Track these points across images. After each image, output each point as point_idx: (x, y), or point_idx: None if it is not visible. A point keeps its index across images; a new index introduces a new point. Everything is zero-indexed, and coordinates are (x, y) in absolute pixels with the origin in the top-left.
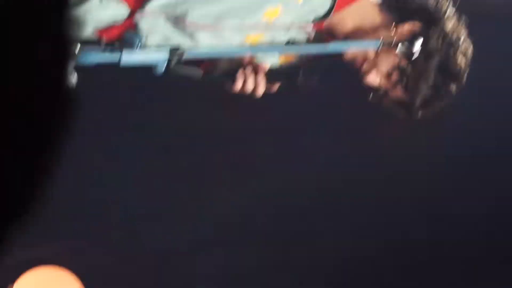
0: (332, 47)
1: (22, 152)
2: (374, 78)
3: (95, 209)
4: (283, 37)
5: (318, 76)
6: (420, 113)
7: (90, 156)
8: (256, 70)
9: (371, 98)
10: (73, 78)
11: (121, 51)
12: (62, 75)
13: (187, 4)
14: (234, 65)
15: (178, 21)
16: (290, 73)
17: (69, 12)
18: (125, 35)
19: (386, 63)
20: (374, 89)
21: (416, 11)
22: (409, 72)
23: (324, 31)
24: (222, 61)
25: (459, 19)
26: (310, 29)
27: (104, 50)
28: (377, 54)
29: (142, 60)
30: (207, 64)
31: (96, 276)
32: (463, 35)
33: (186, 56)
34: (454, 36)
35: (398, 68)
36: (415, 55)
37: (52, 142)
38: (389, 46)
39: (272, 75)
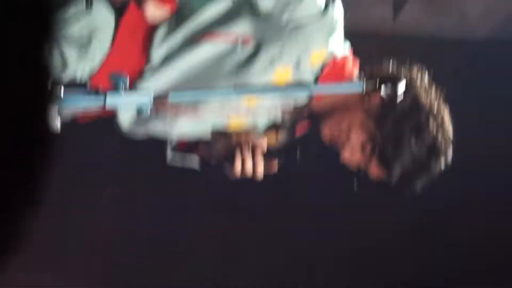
0: (316, 89)
1: (2, 194)
2: (349, 154)
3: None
4: (266, 118)
5: (315, 151)
6: (403, 190)
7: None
8: (253, 150)
9: (356, 187)
10: (57, 122)
11: (105, 94)
12: (43, 119)
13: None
14: (231, 147)
15: (158, 105)
16: (287, 150)
17: (50, 55)
18: (109, 77)
19: (357, 136)
20: (354, 171)
21: (387, 78)
22: (380, 141)
23: (307, 114)
24: (218, 145)
25: (431, 88)
26: (292, 110)
27: (88, 93)
28: (349, 129)
29: (127, 103)
30: (203, 149)
31: None
32: (435, 102)
33: (170, 99)
34: (426, 104)
35: (370, 138)
36: (400, 98)
37: (33, 185)
38: (373, 88)
39: (270, 154)
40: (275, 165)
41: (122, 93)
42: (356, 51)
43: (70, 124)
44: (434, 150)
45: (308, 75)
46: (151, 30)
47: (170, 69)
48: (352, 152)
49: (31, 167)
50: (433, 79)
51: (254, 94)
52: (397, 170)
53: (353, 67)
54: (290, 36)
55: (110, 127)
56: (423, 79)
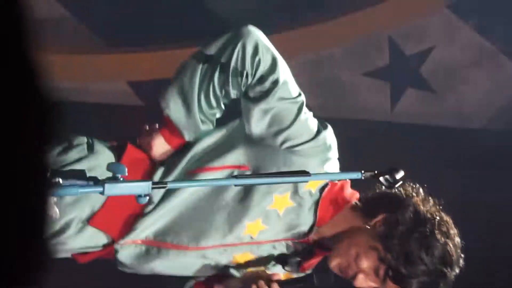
0: (316, 176)
1: None
2: (363, 282)
3: None
4: (271, 252)
5: (333, 275)
6: None
7: None
8: (269, 283)
9: None
10: (55, 211)
11: (104, 183)
12: (41, 208)
13: (172, 231)
14: (246, 284)
15: (161, 249)
16: (304, 279)
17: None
18: (108, 166)
19: (367, 263)
20: None
21: (385, 202)
22: (391, 262)
23: (311, 244)
24: (233, 284)
25: (428, 198)
26: (296, 242)
27: (87, 182)
28: (357, 256)
29: (125, 191)
30: None
31: None
32: (436, 212)
33: (168, 186)
34: (427, 215)
35: (381, 261)
36: (399, 183)
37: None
38: (372, 178)
39: (286, 284)
40: None
41: (121, 181)
42: (353, 141)
43: (70, 263)
44: (446, 258)
45: (307, 199)
46: (150, 168)
47: (169, 206)
48: (366, 278)
49: (27, 252)
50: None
51: (254, 183)
52: (414, 286)
53: (352, 192)
54: (285, 162)
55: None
56: (418, 192)
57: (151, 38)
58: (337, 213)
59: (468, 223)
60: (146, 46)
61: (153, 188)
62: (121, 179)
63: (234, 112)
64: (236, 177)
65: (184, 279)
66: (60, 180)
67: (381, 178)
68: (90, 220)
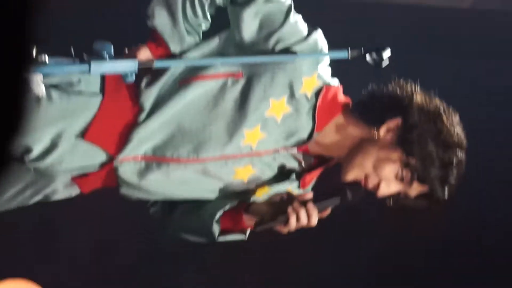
0: (300, 56)
1: None
2: (386, 189)
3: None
4: (272, 165)
5: (363, 189)
6: (446, 193)
7: None
8: (303, 201)
9: (392, 203)
10: (42, 88)
11: (89, 62)
12: (26, 84)
13: (170, 145)
14: (279, 207)
15: (161, 164)
16: (335, 194)
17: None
18: (94, 45)
19: (389, 170)
20: (393, 196)
21: (386, 106)
22: (416, 165)
23: (310, 153)
24: (260, 208)
25: (428, 94)
26: (296, 152)
27: (73, 61)
28: (376, 166)
29: (111, 70)
30: (250, 221)
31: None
32: (440, 104)
33: (155, 66)
34: (432, 108)
35: (405, 166)
36: (385, 63)
37: (8, 146)
38: (358, 56)
39: (319, 202)
40: (327, 211)
41: (107, 60)
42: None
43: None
44: (461, 145)
45: (304, 103)
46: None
47: (162, 113)
48: (388, 186)
49: (10, 129)
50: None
51: (241, 61)
52: (437, 179)
53: (346, 98)
54: (278, 65)
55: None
56: (416, 89)
57: None
58: (334, 116)
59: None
60: None
61: (139, 67)
62: (107, 58)
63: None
64: (222, 58)
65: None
66: (46, 58)
67: (367, 57)
68: (85, 135)
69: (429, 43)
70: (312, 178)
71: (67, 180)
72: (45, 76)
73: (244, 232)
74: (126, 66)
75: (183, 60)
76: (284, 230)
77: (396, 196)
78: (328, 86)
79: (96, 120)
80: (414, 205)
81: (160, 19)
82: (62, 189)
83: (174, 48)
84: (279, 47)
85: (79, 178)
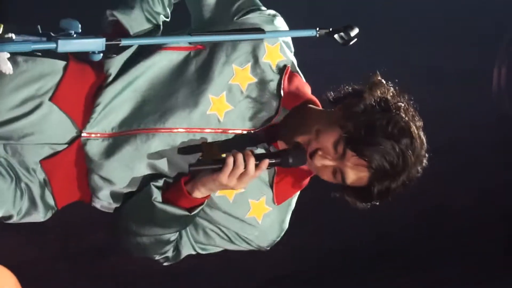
0: (268, 34)
1: None
2: (319, 159)
3: None
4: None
5: (306, 154)
6: (383, 164)
7: None
8: (243, 152)
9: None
10: (8, 67)
11: (57, 39)
12: None
13: (137, 117)
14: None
15: (129, 137)
16: (278, 154)
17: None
18: (61, 23)
19: (327, 135)
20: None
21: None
22: (352, 129)
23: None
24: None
25: (399, 94)
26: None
27: (40, 38)
28: (318, 132)
29: (79, 48)
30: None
31: (31, 271)
32: (405, 104)
33: (122, 43)
34: (393, 101)
35: (341, 129)
36: (353, 41)
37: None
38: (326, 35)
39: (261, 156)
40: (266, 162)
41: (74, 38)
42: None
43: None
44: (406, 133)
45: (269, 73)
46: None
47: (125, 79)
48: (323, 156)
49: None
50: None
51: (211, 40)
52: (377, 156)
53: (308, 87)
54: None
55: None
56: (388, 85)
57: None
58: (300, 101)
59: None
60: None
61: (106, 44)
62: (75, 35)
63: None
64: (191, 34)
65: None
66: (13, 36)
67: (335, 36)
68: (52, 97)
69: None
70: (287, 197)
71: (38, 156)
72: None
73: (189, 208)
74: (94, 44)
75: (151, 38)
76: (221, 176)
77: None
78: (292, 72)
79: (63, 83)
80: (349, 197)
81: (121, 8)
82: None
83: (133, 32)
84: (239, 15)
85: (48, 160)
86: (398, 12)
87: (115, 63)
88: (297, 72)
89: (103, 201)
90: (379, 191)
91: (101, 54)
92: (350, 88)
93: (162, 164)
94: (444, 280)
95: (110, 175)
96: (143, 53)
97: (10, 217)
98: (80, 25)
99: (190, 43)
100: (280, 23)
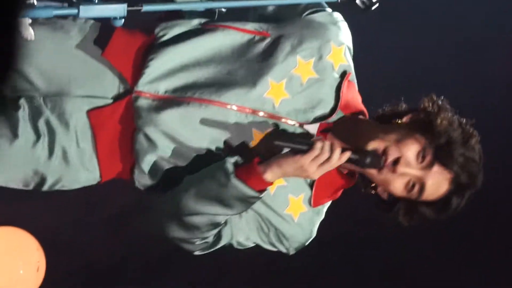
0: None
1: None
2: (404, 167)
3: None
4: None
5: (381, 161)
6: (474, 181)
7: None
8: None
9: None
10: (30, 31)
11: (78, 5)
12: (11, 26)
13: (193, 87)
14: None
15: (181, 102)
16: (356, 151)
17: None
18: None
19: (412, 146)
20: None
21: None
22: (438, 142)
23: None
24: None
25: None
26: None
27: (62, 4)
28: (399, 141)
29: (100, 14)
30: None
31: (53, 237)
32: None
33: (144, 9)
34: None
35: (428, 146)
36: (376, 5)
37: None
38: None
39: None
40: (347, 154)
41: (96, 3)
42: None
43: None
44: (480, 151)
45: (330, 72)
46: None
47: (182, 46)
48: (408, 164)
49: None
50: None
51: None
52: (464, 170)
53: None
54: (308, 27)
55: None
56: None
57: None
58: (357, 108)
59: None
60: None
61: (128, 10)
62: (96, 0)
63: None
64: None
65: None
66: (35, 1)
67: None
68: (102, 52)
69: None
70: (323, 201)
71: (82, 117)
72: (34, 19)
73: (260, 189)
74: (115, 10)
75: (174, 3)
76: (304, 158)
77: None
78: (352, 77)
79: (114, 39)
80: (424, 213)
81: None
82: (78, 131)
83: None
84: (307, 14)
85: (96, 111)
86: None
87: (171, 29)
88: (355, 81)
89: (144, 173)
90: (457, 204)
91: (123, 20)
92: (405, 106)
93: (205, 137)
94: None
95: (156, 135)
96: (204, 24)
97: (42, 180)
98: None
99: (256, 29)
100: (344, 27)
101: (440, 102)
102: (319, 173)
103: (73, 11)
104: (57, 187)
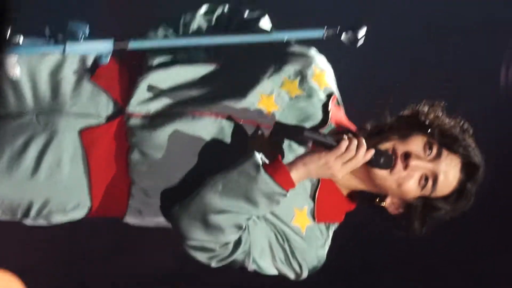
0: (275, 36)
1: None
2: (416, 160)
3: None
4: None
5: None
6: (479, 158)
7: None
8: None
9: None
10: (15, 71)
11: (65, 42)
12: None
13: (182, 104)
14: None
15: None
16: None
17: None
18: (68, 25)
19: (417, 140)
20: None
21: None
22: (442, 135)
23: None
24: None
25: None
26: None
27: (48, 41)
28: (404, 138)
29: (86, 51)
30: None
31: (37, 275)
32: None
33: (130, 46)
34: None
35: (431, 138)
36: (360, 42)
37: None
38: (334, 35)
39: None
40: (372, 152)
41: (82, 41)
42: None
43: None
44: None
45: (316, 91)
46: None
47: (170, 67)
48: (419, 158)
49: None
50: None
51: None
52: (471, 151)
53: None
54: (289, 52)
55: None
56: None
57: None
58: (347, 124)
59: None
60: None
61: (114, 47)
62: (82, 38)
63: None
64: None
65: None
66: (21, 39)
67: (343, 37)
68: (91, 76)
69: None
70: (326, 218)
71: (74, 136)
72: (19, 56)
73: (286, 185)
74: (101, 47)
75: (159, 40)
76: (330, 155)
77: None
78: (338, 101)
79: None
80: (444, 209)
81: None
82: (68, 152)
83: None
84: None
85: (88, 131)
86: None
87: (157, 57)
88: (341, 105)
89: (143, 191)
90: (472, 189)
91: (109, 58)
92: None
93: (201, 148)
94: None
95: (151, 151)
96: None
97: (29, 205)
98: (88, 28)
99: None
100: (323, 58)
101: (420, 106)
102: (344, 171)
103: (59, 48)
104: (44, 212)
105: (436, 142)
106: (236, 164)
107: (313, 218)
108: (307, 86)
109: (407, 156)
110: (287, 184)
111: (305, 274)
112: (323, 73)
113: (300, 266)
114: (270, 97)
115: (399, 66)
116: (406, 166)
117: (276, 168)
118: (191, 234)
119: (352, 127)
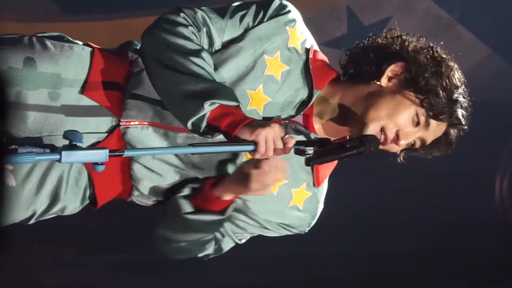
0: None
1: None
2: (406, 137)
3: None
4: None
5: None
6: (464, 118)
7: None
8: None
9: (402, 158)
10: (12, 178)
11: (61, 151)
12: None
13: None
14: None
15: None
16: (355, 145)
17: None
18: (64, 134)
19: (405, 115)
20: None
21: (380, 56)
22: (429, 100)
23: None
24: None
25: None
26: (302, 125)
27: (44, 149)
28: (391, 115)
29: (82, 159)
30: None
31: None
32: (430, 45)
33: (125, 154)
34: (425, 47)
35: (420, 105)
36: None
37: None
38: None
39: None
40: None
41: (78, 149)
42: None
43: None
44: (461, 78)
45: (296, 58)
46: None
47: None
48: (407, 134)
49: None
50: None
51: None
52: (453, 107)
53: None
54: (260, 30)
55: None
56: (400, 33)
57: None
58: (330, 76)
59: None
60: (109, 14)
61: (110, 156)
62: (77, 146)
63: None
64: (192, 145)
65: None
66: (17, 148)
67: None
68: (82, 90)
69: None
70: (324, 177)
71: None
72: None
73: (221, 211)
74: (97, 155)
75: (154, 148)
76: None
77: (409, 150)
78: (315, 46)
79: (91, 75)
80: (426, 154)
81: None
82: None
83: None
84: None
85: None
86: None
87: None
88: (317, 48)
89: (143, 194)
90: (454, 135)
91: (104, 166)
92: (373, 50)
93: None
94: None
95: (151, 161)
96: None
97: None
98: (83, 137)
99: None
100: (289, 5)
101: (400, 33)
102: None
103: (55, 156)
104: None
105: (424, 111)
106: (167, 210)
107: (313, 186)
108: (287, 56)
109: (397, 135)
110: (221, 205)
111: (304, 232)
112: (295, 29)
113: (299, 231)
114: (258, 92)
115: None
116: (397, 144)
117: (206, 198)
118: (167, 254)
119: (332, 72)
